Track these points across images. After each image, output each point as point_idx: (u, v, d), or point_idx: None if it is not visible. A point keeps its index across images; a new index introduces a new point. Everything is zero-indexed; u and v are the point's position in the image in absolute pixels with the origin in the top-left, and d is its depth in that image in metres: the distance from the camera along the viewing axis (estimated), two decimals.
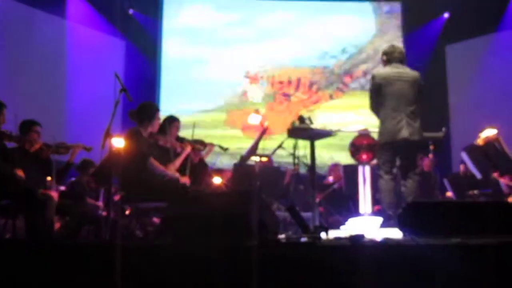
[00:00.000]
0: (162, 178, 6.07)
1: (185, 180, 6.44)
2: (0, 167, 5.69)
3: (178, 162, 6.45)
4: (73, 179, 7.93)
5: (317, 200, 8.55)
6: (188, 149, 6.62)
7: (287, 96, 13.24)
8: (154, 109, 6.31)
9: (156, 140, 6.36)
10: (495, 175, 7.90)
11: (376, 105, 6.34)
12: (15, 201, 5.61)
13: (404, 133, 6.04)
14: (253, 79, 13.26)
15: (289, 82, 13.29)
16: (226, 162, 10.25)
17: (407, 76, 6.23)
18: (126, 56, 12.43)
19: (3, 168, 5.71)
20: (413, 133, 6.09)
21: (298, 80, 13.25)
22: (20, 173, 5.86)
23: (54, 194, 6.44)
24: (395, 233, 4.96)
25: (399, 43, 12.76)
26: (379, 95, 6.22)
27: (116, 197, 6.77)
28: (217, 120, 12.84)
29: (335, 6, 13.50)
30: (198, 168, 7.27)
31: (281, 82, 13.32)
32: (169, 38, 13.19)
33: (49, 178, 6.74)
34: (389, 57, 6.38)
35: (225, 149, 7.94)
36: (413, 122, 6.12)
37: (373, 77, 6.31)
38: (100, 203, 7.87)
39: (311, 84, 13.25)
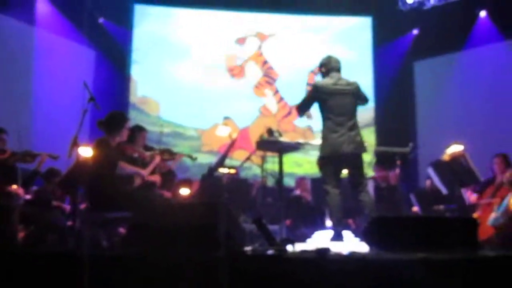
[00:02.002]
0: (132, 178, 6.07)
1: (156, 178, 6.44)
2: None
3: (147, 172, 6.42)
4: (35, 187, 7.83)
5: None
6: (157, 159, 6.59)
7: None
8: (123, 118, 6.25)
9: (124, 149, 6.33)
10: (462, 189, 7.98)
11: (305, 111, 6.46)
12: None
13: (346, 148, 6.06)
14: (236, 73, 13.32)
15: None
16: (195, 173, 10.23)
17: (347, 89, 6.28)
18: (95, 66, 12.33)
19: None
20: (356, 147, 6.13)
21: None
22: None
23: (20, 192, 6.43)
24: (361, 247, 4.99)
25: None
26: (322, 108, 6.26)
27: (82, 206, 6.72)
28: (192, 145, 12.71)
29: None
30: (167, 178, 7.25)
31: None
32: (138, 48, 13.15)
33: (14, 186, 6.67)
34: (326, 68, 6.43)
35: (194, 158, 7.94)
36: (354, 136, 6.15)
37: (315, 88, 6.30)
38: (67, 207, 7.79)
39: None
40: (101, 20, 12.55)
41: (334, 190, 6.10)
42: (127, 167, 6.17)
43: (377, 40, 13.44)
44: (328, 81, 6.29)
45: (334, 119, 6.14)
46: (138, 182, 6.34)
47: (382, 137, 12.20)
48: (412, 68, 13.01)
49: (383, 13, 13.06)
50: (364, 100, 6.47)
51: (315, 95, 6.26)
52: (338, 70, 6.40)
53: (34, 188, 7.69)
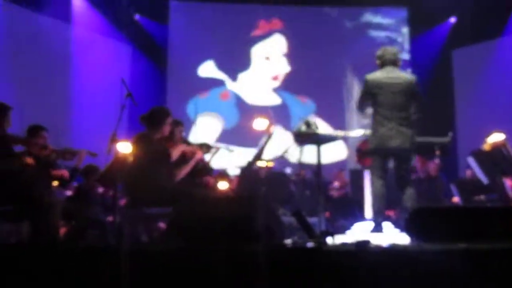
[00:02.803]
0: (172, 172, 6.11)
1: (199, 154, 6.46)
2: (6, 163, 5.66)
3: (187, 168, 6.42)
4: (75, 184, 7.90)
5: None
6: (198, 154, 6.59)
7: None
8: (165, 114, 6.24)
9: (165, 145, 6.34)
10: (504, 179, 7.85)
11: (363, 106, 6.38)
12: (20, 204, 5.59)
13: (394, 142, 5.99)
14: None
15: None
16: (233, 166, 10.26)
17: (400, 82, 6.17)
18: (132, 62, 12.44)
19: (10, 164, 5.68)
20: (404, 142, 6.05)
21: None
22: (29, 160, 5.85)
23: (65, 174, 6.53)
24: (402, 238, 4.95)
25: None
26: (372, 102, 6.21)
27: (122, 202, 6.77)
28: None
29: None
30: (203, 172, 7.27)
31: None
32: (174, 44, 13.21)
33: (55, 183, 6.75)
34: (381, 60, 6.35)
35: (232, 151, 7.94)
36: (405, 129, 6.06)
37: (366, 81, 6.24)
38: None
39: None
40: (136, 16, 12.63)
41: (379, 181, 6.06)
42: (181, 172, 6.20)
43: (414, 29, 13.32)
44: (378, 74, 6.22)
45: (383, 113, 6.08)
46: (185, 172, 6.33)
47: (419, 127, 12.04)
48: (451, 56, 12.85)
49: (419, 2, 12.90)
50: (417, 98, 6.35)
51: (366, 89, 6.22)
52: (393, 62, 6.29)
53: (74, 184, 7.78)
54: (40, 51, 10.38)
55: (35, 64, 10.24)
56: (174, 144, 6.51)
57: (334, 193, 9.75)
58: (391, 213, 8.76)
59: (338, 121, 12.50)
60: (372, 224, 5.97)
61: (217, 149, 7.53)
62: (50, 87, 10.44)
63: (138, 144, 5.88)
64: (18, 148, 6.35)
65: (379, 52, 6.41)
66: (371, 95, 6.19)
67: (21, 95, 9.45)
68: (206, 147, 7.23)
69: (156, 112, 6.20)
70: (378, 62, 6.38)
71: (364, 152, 6.55)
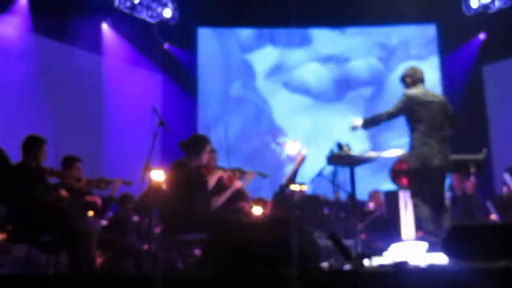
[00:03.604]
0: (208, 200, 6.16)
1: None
2: (42, 196, 5.74)
3: (224, 196, 6.45)
4: (110, 213, 7.95)
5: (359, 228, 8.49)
6: (236, 184, 6.61)
7: None
8: (204, 142, 6.30)
9: (202, 173, 6.36)
10: None
11: (392, 119, 6.32)
12: (57, 235, 5.64)
13: (436, 161, 5.94)
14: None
15: None
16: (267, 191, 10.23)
17: (437, 101, 6.15)
18: (163, 90, 12.55)
19: (45, 196, 5.76)
20: (444, 160, 6.00)
21: None
22: (63, 193, 5.92)
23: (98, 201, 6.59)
24: (440, 258, 4.88)
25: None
26: (411, 119, 6.15)
27: (157, 230, 6.79)
28: None
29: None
30: (237, 196, 7.27)
31: None
32: (204, 70, 13.29)
33: (91, 213, 6.81)
34: (413, 79, 6.31)
35: (265, 176, 7.92)
36: (444, 149, 6.03)
37: (407, 97, 6.18)
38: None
39: None
40: (166, 45, 12.76)
41: (423, 204, 5.99)
42: (219, 200, 6.27)
43: (443, 46, 13.23)
44: (417, 91, 6.19)
45: (423, 130, 6.03)
46: (223, 200, 6.39)
47: (453, 145, 11.91)
48: (481, 72, 12.72)
49: (447, 19, 12.84)
50: (454, 118, 6.30)
51: (407, 104, 6.15)
52: (423, 81, 6.29)
53: (109, 213, 7.83)
54: (73, 83, 10.51)
55: (68, 96, 10.37)
56: (209, 171, 6.54)
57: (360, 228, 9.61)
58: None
59: (370, 139, 12.49)
60: (425, 244, 5.89)
61: (251, 174, 7.52)
62: (84, 118, 10.55)
63: (175, 171, 5.93)
64: (53, 180, 6.44)
65: (410, 71, 6.38)
66: (410, 111, 6.13)
67: (55, 127, 9.56)
68: (240, 172, 7.24)
69: (196, 140, 6.28)
70: (409, 80, 6.34)
71: (403, 172, 6.49)
